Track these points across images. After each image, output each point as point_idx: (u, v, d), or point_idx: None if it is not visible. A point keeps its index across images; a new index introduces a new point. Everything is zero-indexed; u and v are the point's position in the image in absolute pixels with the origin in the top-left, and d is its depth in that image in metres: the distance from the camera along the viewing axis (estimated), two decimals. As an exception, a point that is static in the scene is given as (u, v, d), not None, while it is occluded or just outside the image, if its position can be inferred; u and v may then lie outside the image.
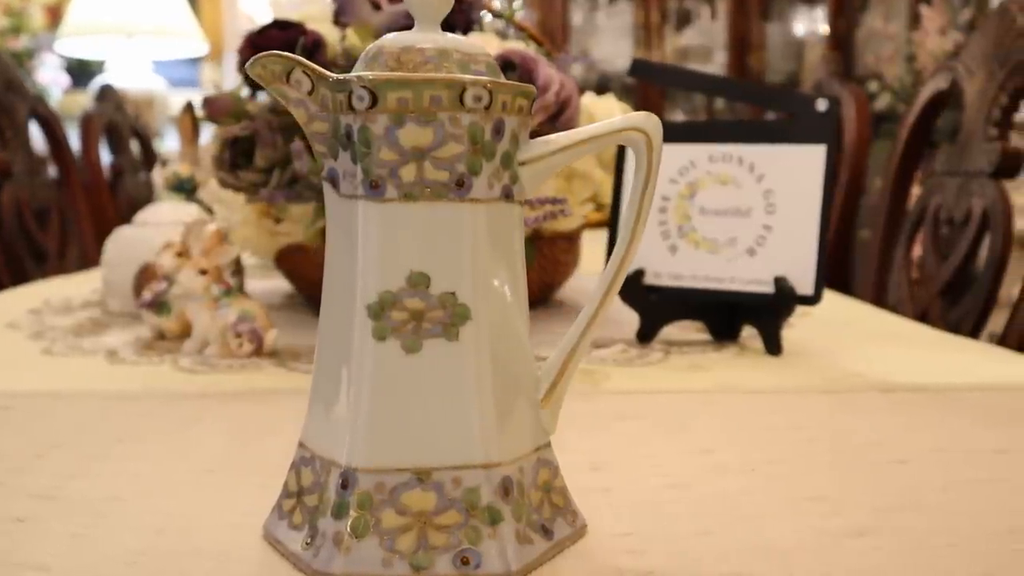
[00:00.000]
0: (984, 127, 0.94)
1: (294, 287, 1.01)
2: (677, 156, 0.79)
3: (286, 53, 0.37)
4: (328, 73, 0.36)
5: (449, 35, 0.38)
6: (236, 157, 0.83)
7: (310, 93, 0.37)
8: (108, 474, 0.48)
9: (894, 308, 1.05)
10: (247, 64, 0.37)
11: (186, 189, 1.03)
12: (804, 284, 0.73)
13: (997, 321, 0.94)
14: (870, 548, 0.38)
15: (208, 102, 0.80)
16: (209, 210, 1.06)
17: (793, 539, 0.39)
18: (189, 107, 1.07)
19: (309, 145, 0.77)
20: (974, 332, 0.91)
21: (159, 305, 0.83)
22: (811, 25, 3.09)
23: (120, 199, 1.95)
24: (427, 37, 0.38)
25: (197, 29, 3.14)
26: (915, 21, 2.55)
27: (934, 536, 0.39)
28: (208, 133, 1.13)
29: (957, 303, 0.94)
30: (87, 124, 1.85)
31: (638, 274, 0.79)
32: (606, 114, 0.88)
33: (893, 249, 1.09)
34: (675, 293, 0.78)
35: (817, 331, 0.83)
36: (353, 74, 0.36)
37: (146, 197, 2.05)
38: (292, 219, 0.86)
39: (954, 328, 0.91)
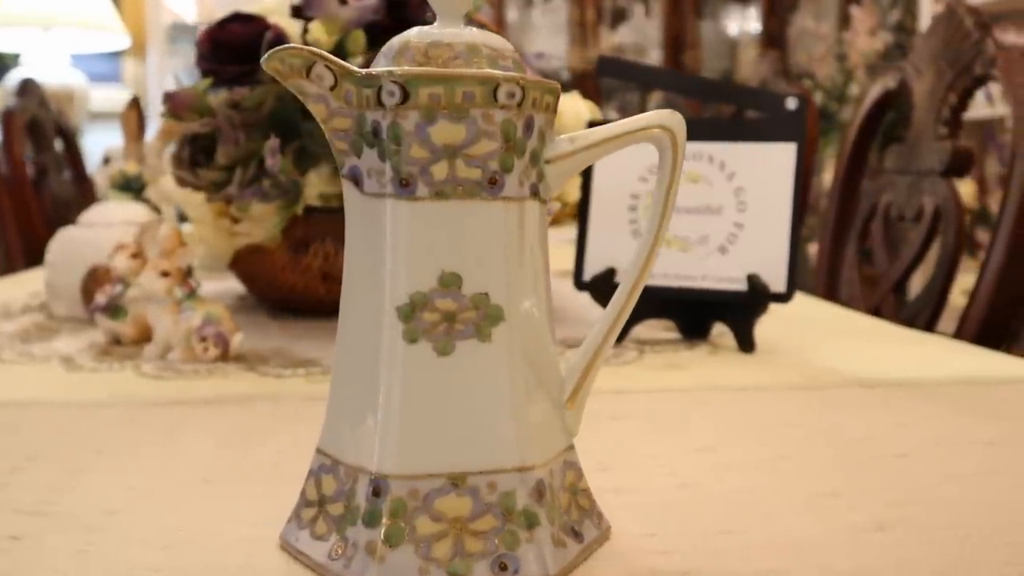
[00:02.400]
0: (934, 126, 0.96)
1: (249, 289, 0.99)
2: (647, 154, 0.79)
3: (307, 47, 0.36)
4: (354, 68, 0.35)
5: (474, 30, 0.38)
6: (195, 155, 0.80)
7: (332, 88, 0.36)
8: (98, 487, 0.46)
9: (846, 305, 1.07)
10: (263, 58, 0.36)
11: (133, 188, 0.99)
12: (776, 281, 0.74)
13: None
14: (893, 542, 0.39)
15: (170, 97, 0.77)
16: (157, 209, 1.03)
17: (818, 535, 0.39)
18: (135, 103, 1.04)
19: (283, 142, 0.75)
20: (928, 328, 0.93)
21: (114, 309, 0.80)
22: (744, 24, 3.14)
23: (44, 198, 1.88)
24: (453, 32, 0.37)
25: (118, 22, 3.05)
26: (845, 21, 2.61)
27: (950, 529, 0.40)
28: (153, 129, 1.10)
29: (909, 300, 0.96)
30: (8, 120, 1.77)
31: (609, 273, 0.79)
32: (572, 112, 0.88)
33: (843, 247, 1.12)
34: (646, 291, 0.77)
35: (782, 328, 0.84)
36: (383, 68, 0.35)
37: (71, 196, 1.98)
38: (253, 219, 0.84)
39: (908, 325, 0.94)
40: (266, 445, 0.52)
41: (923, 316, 0.93)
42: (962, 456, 0.50)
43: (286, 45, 0.36)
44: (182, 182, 0.80)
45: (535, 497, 0.35)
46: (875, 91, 1.10)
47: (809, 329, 0.85)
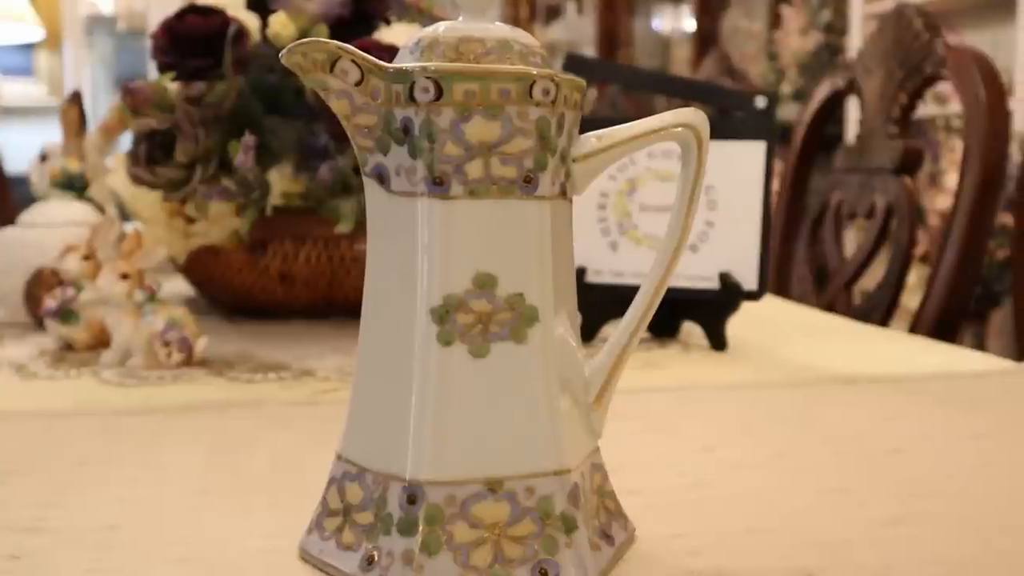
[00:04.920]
0: (884, 125, 0.99)
1: (200, 291, 0.96)
2: (616, 153, 0.79)
3: (332, 41, 0.34)
4: (383, 63, 0.34)
5: (502, 25, 0.37)
6: (152, 152, 0.77)
7: (358, 84, 0.34)
8: (90, 501, 0.43)
9: (799, 302, 1.09)
10: (283, 53, 0.35)
11: (76, 187, 0.95)
12: (747, 279, 0.74)
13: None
14: (914, 536, 0.39)
15: (130, 92, 0.74)
16: (101, 209, 0.99)
17: (840, 532, 0.40)
18: (76, 98, 1.00)
19: (260, 139, 0.73)
20: (882, 326, 0.95)
21: (65, 313, 0.77)
22: (676, 22, 3.18)
23: (-39, 198, 1.80)
24: (483, 27, 0.36)
25: (31, 13, 2.93)
26: (776, 20, 2.67)
27: (965, 521, 0.41)
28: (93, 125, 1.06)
29: (864, 296, 0.98)
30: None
31: (579, 272, 0.79)
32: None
33: (793, 245, 1.14)
34: (616, 290, 0.78)
35: (747, 326, 0.84)
36: (416, 64, 0.34)
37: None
38: (211, 219, 0.81)
39: (864, 320, 0.96)
40: (257, 453, 0.51)
41: (877, 313, 0.95)
42: (955, 450, 0.51)
43: (309, 39, 0.34)
44: (138, 180, 0.77)
45: (572, 501, 0.35)
46: (823, 90, 1.13)
47: (774, 327, 0.86)
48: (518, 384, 0.35)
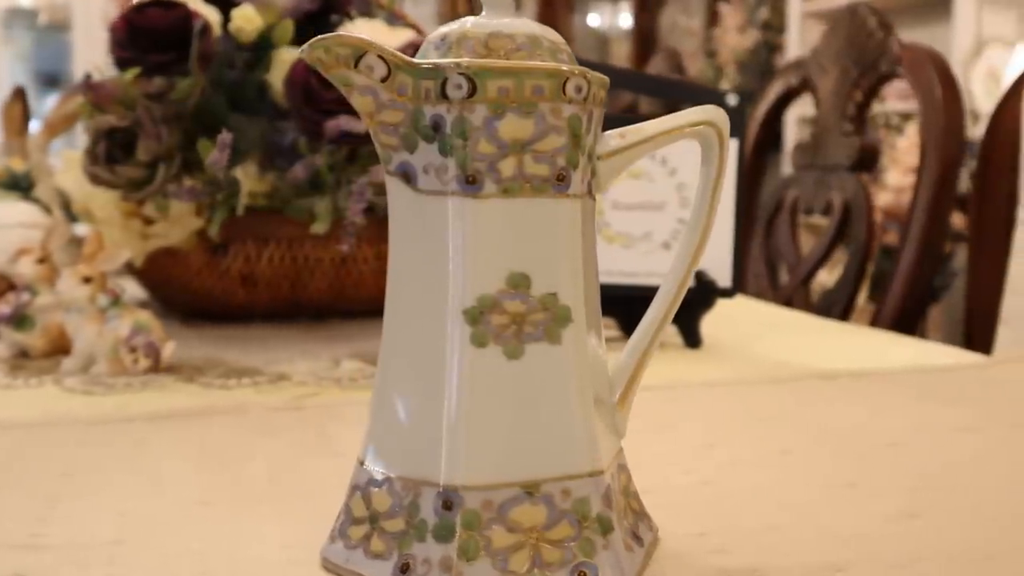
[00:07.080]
0: (840, 123, 1.00)
1: (153, 294, 0.93)
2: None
3: (357, 36, 0.33)
4: (410, 59, 0.33)
5: (529, 21, 0.36)
6: (112, 150, 0.74)
7: (384, 80, 0.33)
8: (85, 515, 0.41)
9: (755, 298, 1.10)
10: (303, 49, 0.34)
11: (22, 187, 0.92)
12: (721, 277, 0.75)
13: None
14: (931, 529, 0.40)
15: (93, 87, 0.71)
16: (48, 209, 0.96)
17: (857, 526, 0.40)
18: (20, 94, 0.96)
19: (208, 137, 0.71)
20: (842, 320, 0.97)
21: (20, 319, 0.74)
22: (613, 19, 3.19)
23: None
24: (511, 23, 0.35)
25: (-54, 9, 2.82)
26: (713, 18, 2.70)
27: (976, 512, 0.42)
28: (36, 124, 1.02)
29: (822, 293, 1.00)
30: None
31: (551, 270, 0.78)
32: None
33: (747, 242, 1.15)
34: (589, 288, 0.78)
35: (715, 324, 0.85)
36: (449, 60, 0.33)
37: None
38: (171, 219, 0.79)
39: (824, 316, 0.97)
40: (251, 461, 0.49)
41: (837, 309, 0.97)
42: (948, 442, 0.52)
43: (331, 34, 0.33)
44: (97, 180, 0.75)
45: (606, 502, 0.35)
46: (776, 88, 1.14)
47: (743, 324, 0.87)
48: (553, 385, 0.34)
